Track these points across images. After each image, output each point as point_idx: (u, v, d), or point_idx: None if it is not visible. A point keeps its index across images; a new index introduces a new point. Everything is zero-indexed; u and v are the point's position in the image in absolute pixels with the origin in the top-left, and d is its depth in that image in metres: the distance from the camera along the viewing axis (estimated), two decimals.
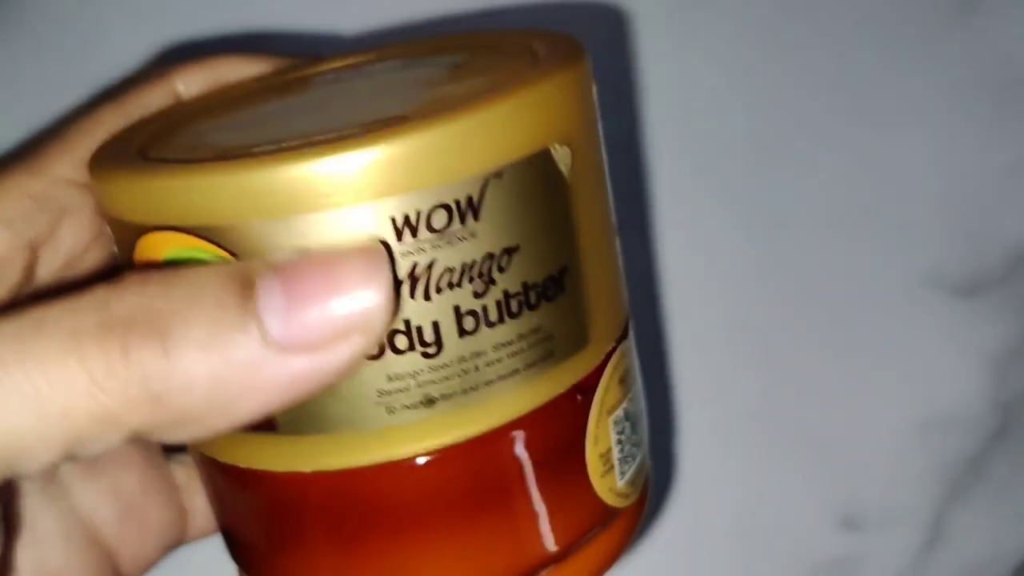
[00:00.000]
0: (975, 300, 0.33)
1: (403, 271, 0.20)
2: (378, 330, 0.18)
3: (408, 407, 0.21)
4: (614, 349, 0.24)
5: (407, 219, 0.19)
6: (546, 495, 0.23)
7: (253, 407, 0.18)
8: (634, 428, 0.26)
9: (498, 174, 0.20)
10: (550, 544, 0.24)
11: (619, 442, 0.25)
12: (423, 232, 0.20)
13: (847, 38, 0.33)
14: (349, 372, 0.19)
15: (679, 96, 0.33)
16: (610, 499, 0.25)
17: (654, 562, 0.34)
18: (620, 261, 0.25)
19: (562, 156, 0.21)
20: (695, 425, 0.33)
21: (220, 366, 0.17)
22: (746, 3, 0.32)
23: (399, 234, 0.19)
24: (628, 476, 0.25)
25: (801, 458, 0.33)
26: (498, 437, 0.22)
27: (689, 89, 0.33)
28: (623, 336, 0.25)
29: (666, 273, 0.33)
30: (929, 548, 0.34)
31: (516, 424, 0.22)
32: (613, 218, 0.24)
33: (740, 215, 0.33)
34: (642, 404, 0.26)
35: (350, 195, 0.19)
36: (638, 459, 0.26)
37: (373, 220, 0.19)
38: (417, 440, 0.21)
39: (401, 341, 0.20)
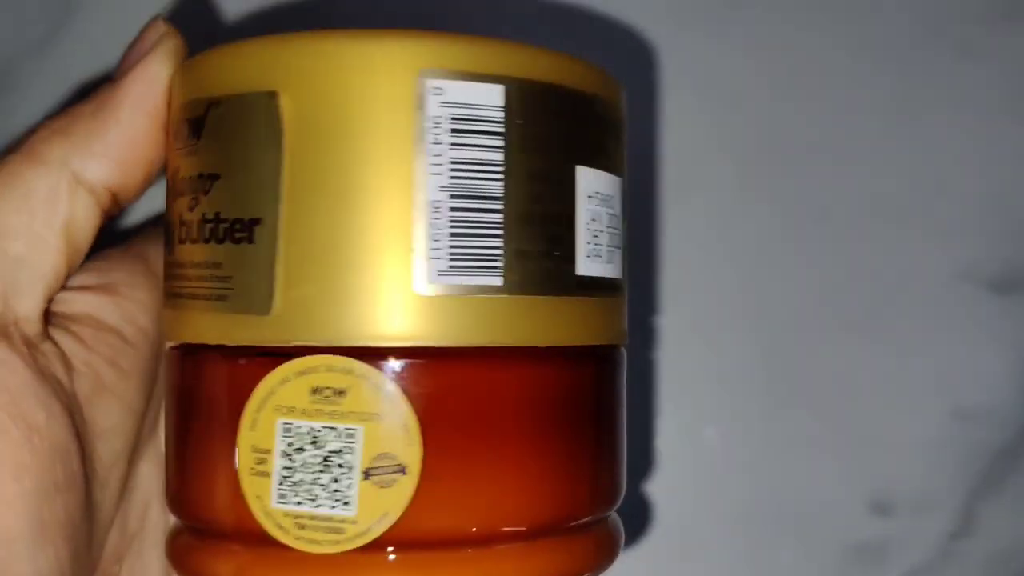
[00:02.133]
0: (1011, 295, 0.34)
1: (169, 170, 0.24)
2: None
3: (167, 296, 0.25)
4: (316, 351, 0.21)
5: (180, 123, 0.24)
6: (195, 441, 0.23)
7: None
8: (325, 466, 0.21)
9: (217, 102, 0.22)
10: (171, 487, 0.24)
11: (287, 455, 0.21)
12: (180, 139, 0.24)
13: (894, 37, 0.34)
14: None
15: (723, 87, 0.34)
16: (257, 509, 0.22)
17: (687, 543, 0.35)
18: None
19: (286, 107, 0.22)
20: (732, 408, 0.34)
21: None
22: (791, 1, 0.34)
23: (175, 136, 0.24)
24: (291, 507, 0.21)
25: (835, 443, 0.34)
26: (180, 355, 0.24)
27: (733, 81, 0.35)
28: (350, 354, 0.21)
29: (708, 263, 0.35)
30: (958, 537, 0.34)
31: (196, 350, 0.23)
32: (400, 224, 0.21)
33: (783, 208, 0.34)
34: (355, 464, 0.21)
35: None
36: (319, 506, 0.21)
37: None
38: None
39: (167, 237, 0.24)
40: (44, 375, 0.22)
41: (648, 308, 0.35)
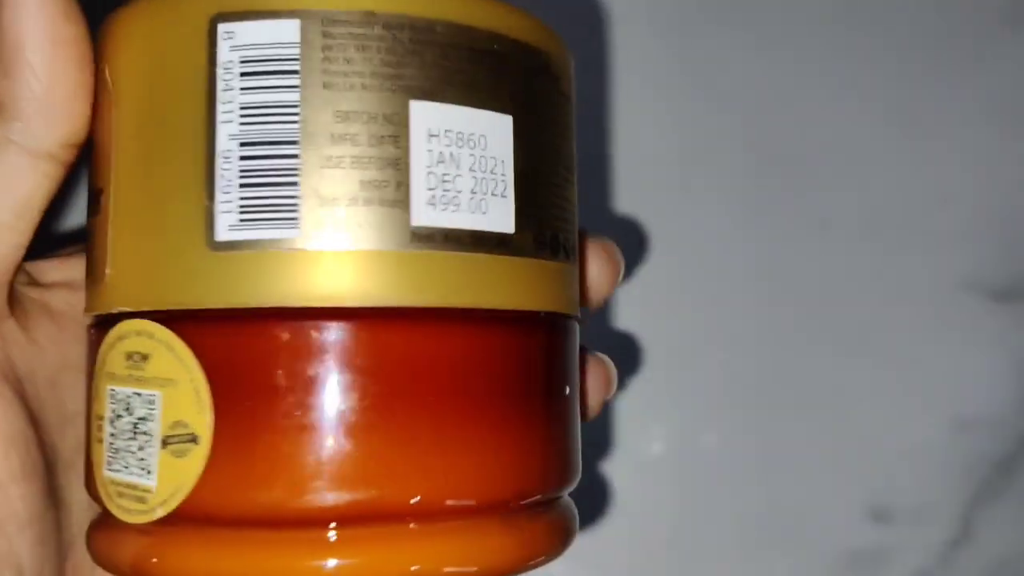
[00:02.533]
0: (1011, 305, 0.34)
1: None
2: None
3: None
4: (132, 316, 0.21)
5: None
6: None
7: None
8: (134, 433, 0.20)
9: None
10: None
11: (111, 422, 0.21)
12: None
13: (890, 48, 0.34)
14: None
15: (724, 94, 0.34)
16: (97, 477, 0.21)
17: (684, 550, 0.34)
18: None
19: (111, 76, 0.21)
20: (732, 416, 0.34)
21: None
22: (793, 11, 0.34)
23: None
24: (112, 475, 0.21)
25: (835, 451, 0.34)
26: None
27: (735, 88, 0.34)
28: (157, 317, 0.20)
29: (710, 269, 0.34)
30: (956, 545, 0.34)
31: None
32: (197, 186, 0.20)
33: (784, 216, 0.34)
34: (155, 431, 0.20)
35: None
36: (130, 473, 0.20)
37: None
38: None
39: None
40: None
41: (648, 315, 0.34)
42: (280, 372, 0.20)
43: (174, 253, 0.20)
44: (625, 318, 0.34)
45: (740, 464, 0.35)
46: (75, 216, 0.30)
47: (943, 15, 0.34)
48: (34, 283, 0.23)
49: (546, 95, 0.22)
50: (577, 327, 0.24)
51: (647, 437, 0.34)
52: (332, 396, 0.20)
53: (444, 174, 0.20)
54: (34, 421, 0.22)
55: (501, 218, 0.21)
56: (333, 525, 0.20)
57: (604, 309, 0.34)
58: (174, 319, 0.20)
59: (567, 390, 0.23)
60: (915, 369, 0.35)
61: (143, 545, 0.21)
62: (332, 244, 0.20)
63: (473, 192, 0.21)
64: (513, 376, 0.21)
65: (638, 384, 0.34)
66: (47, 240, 0.24)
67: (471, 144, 0.21)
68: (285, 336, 0.20)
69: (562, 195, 0.23)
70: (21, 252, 0.22)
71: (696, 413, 0.34)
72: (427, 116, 0.20)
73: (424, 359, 0.20)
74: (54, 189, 0.22)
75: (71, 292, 0.24)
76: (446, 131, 0.21)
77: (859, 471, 0.34)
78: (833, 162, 0.35)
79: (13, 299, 0.23)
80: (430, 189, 0.20)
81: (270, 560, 0.19)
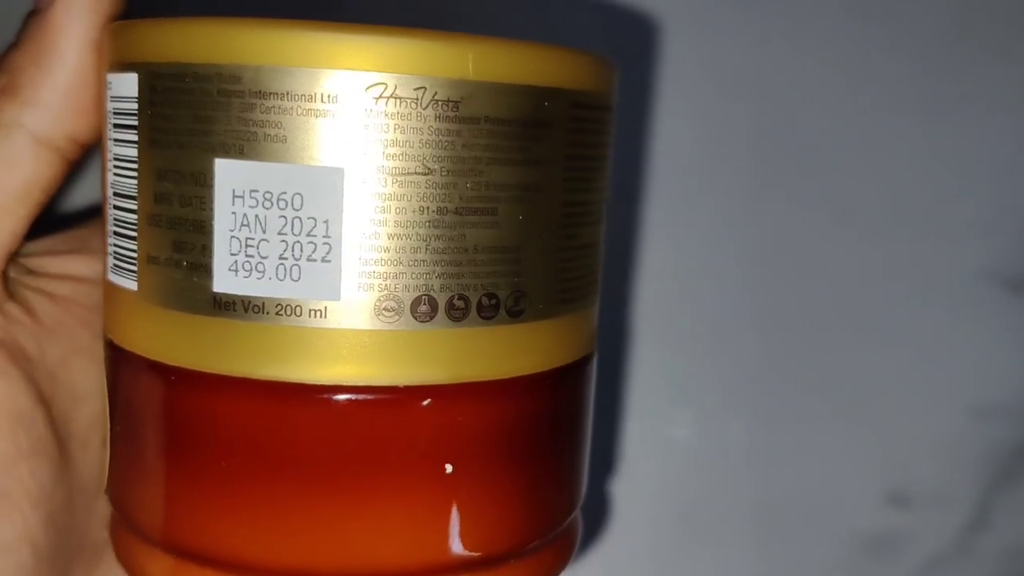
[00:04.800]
0: None
1: None
2: None
3: None
4: None
5: None
6: None
7: None
8: None
9: None
10: None
11: None
12: None
13: (910, 39, 0.34)
14: None
15: (743, 82, 0.33)
16: None
17: (704, 533, 0.35)
18: None
19: None
20: (754, 403, 0.34)
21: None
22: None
23: None
24: None
25: (854, 437, 0.34)
26: None
27: (753, 76, 0.33)
28: None
29: (731, 259, 0.34)
30: (972, 530, 0.35)
31: None
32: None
33: (804, 206, 0.34)
34: None
35: None
36: None
37: None
38: None
39: None
40: (1, 343, 0.22)
41: (671, 303, 0.34)
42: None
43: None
44: (647, 303, 0.34)
45: (759, 448, 0.35)
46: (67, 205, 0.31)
47: (966, 5, 0.34)
48: (33, 273, 0.23)
49: (418, 132, 0.19)
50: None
51: (669, 421, 0.34)
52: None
53: (248, 238, 0.19)
54: (43, 400, 0.22)
55: (318, 285, 0.19)
56: None
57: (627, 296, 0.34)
58: None
59: (447, 468, 0.20)
60: (934, 357, 0.35)
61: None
62: (156, 301, 0.20)
63: (282, 258, 0.19)
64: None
65: (662, 368, 0.34)
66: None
67: (281, 204, 0.19)
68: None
69: (460, 245, 0.19)
70: (17, 241, 0.22)
71: (717, 398, 0.34)
72: (233, 175, 0.19)
73: (228, 430, 0.20)
74: (54, 183, 0.22)
75: (74, 283, 0.24)
76: (252, 191, 0.19)
77: (878, 457, 0.35)
78: (853, 153, 0.34)
79: (10, 288, 0.23)
80: (232, 254, 0.19)
81: None
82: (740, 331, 0.34)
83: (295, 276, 0.19)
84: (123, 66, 0.20)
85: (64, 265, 0.24)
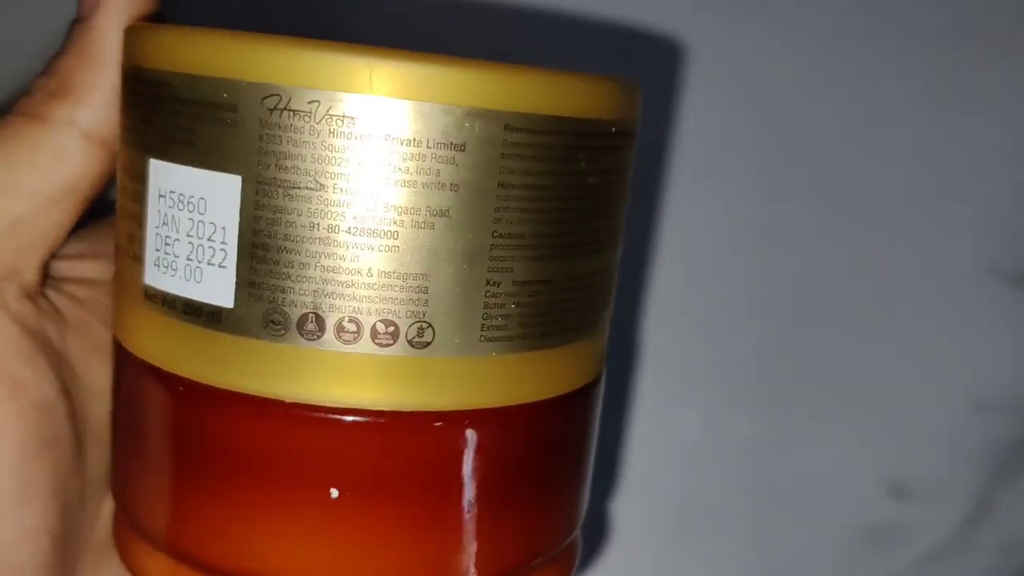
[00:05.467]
0: None
1: None
2: None
3: None
4: None
5: None
6: None
7: None
8: None
9: None
10: None
11: None
12: None
13: (915, 31, 0.34)
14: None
15: (748, 77, 0.34)
16: None
17: (705, 521, 0.35)
18: None
19: None
20: (758, 393, 0.35)
21: None
22: None
23: None
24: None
25: (856, 429, 0.35)
26: None
27: (759, 71, 0.34)
28: None
29: (735, 251, 0.34)
30: (972, 523, 0.36)
31: None
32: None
33: (808, 199, 0.34)
34: None
35: None
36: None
37: None
38: None
39: None
40: (32, 332, 0.22)
41: (677, 293, 0.34)
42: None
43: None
44: (650, 300, 0.34)
45: (760, 440, 0.35)
46: None
47: (965, 5, 0.33)
48: (63, 278, 0.24)
49: (310, 146, 0.18)
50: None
51: (671, 414, 0.35)
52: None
53: (167, 236, 0.20)
54: (65, 393, 0.23)
55: (214, 289, 0.19)
56: None
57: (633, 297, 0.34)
58: None
59: (332, 493, 0.20)
60: (934, 351, 0.35)
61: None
62: (117, 291, 0.22)
63: (189, 259, 0.20)
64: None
65: (667, 363, 0.34)
66: None
67: (190, 207, 0.19)
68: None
69: (353, 267, 0.19)
70: (63, 233, 0.23)
71: (722, 391, 0.35)
72: (159, 175, 0.20)
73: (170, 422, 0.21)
74: (101, 178, 0.23)
75: (91, 287, 0.24)
76: (170, 191, 0.20)
77: (879, 449, 0.35)
78: (854, 148, 0.34)
79: (49, 279, 0.24)
80: (156, 250, 0.20)
81: None
82: (740, 325, 0.34)
83: (198, 278, 0.19)
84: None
85: (84, 269, 0.24)
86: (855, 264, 0.34)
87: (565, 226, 0.20)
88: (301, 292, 0.19)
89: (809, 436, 0.35)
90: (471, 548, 0.21)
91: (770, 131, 0.34)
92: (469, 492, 0.20)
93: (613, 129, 0.21)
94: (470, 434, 0.20)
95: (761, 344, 0.34)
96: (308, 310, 0.19)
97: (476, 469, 0.21)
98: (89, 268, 0.24)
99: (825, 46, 0.34)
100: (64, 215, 0.22)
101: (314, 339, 0.19)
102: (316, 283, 0.19)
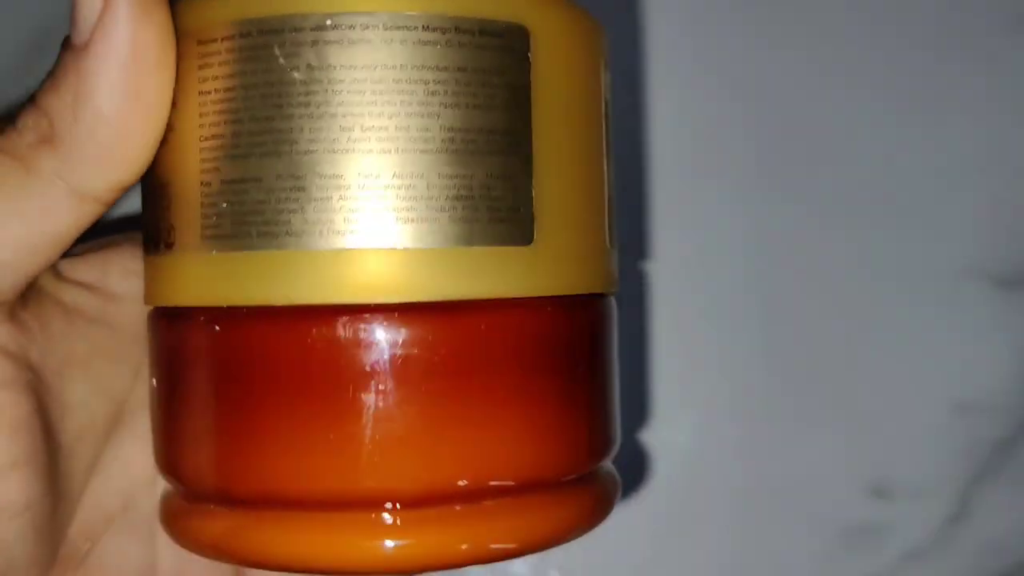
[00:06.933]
0: (1014, 291, 0.36)
1: None
2: None
3: None
4: None
5: None
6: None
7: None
8: None
9: None
10: None
11: None
12: None
13: (902, 37, 0.35)
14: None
15: (738, 77, 0.35)
16: None
17: (683, 520, 0.36)
18: None
19: None
20: (736, 392, 0.35)
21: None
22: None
23: None
24: None
25: (837, 429, 0.36)
26: None
27: (749, 72, 0.35)
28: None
29: (717, 250, 0.35)
30: (954, 523, 0.36)
31: None
32: None
33: (792, 200, 0.35)
34: None
35: None
36: None
37: None
38: None
39: None
40: (9, 355, 0.21)
41: (665, 298, 0.35)
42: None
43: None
44: (640, 304, 0.35)
45: (743, 440, 0.35)
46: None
47: (956, 13, 0.35)
48: (55, 276, 0.23)
49: None
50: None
51: (657, 416, 0.35)
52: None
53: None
54: (41, 410, 0.22)
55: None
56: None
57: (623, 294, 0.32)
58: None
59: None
60: (918, 352, 0.35)
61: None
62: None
63: None
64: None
65: (656, 366, 0.35)
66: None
67: None
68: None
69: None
70: (43, 268, 0.21)
71: (699, 390, 0.35)
72: None
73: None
74: (92, 223, 0.21)
75: (88, 292, 0.23)
76: None
77: (861, 449, 0.35)
78: (837, 152, 0.35)
79: (34, 290, 0.22)
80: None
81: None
82: (725, 327, 0.35)
83: None
84: None
85: (84, 270, 0.24)
86: (839, 266, 0.35)
87: (261, 124, 0.20)
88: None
89: (792, 436, 0.35)
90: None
91: (759, 136, 0.34)
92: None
93: (328, 22, 0.19)
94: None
95: (741, 345, 0.35)
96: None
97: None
98: (86, 270, 0.24)
99: (812, 48, 0.34)
100: (48, 261, 0.21)
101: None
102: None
